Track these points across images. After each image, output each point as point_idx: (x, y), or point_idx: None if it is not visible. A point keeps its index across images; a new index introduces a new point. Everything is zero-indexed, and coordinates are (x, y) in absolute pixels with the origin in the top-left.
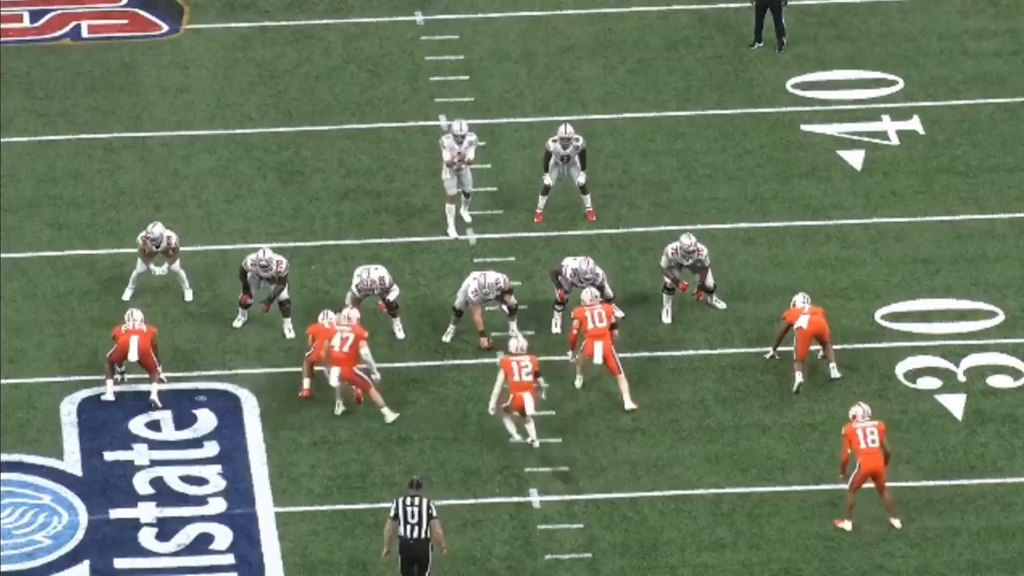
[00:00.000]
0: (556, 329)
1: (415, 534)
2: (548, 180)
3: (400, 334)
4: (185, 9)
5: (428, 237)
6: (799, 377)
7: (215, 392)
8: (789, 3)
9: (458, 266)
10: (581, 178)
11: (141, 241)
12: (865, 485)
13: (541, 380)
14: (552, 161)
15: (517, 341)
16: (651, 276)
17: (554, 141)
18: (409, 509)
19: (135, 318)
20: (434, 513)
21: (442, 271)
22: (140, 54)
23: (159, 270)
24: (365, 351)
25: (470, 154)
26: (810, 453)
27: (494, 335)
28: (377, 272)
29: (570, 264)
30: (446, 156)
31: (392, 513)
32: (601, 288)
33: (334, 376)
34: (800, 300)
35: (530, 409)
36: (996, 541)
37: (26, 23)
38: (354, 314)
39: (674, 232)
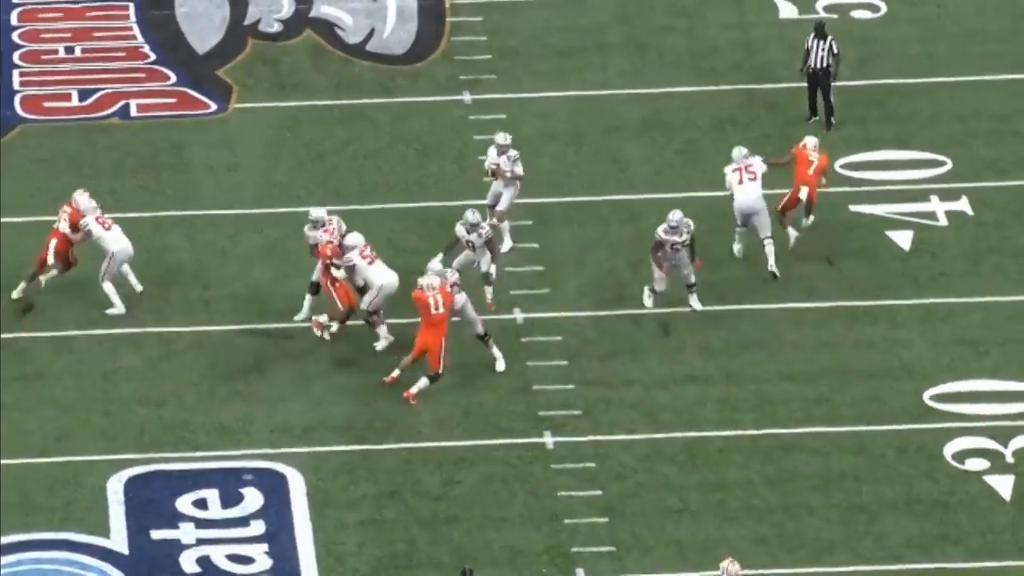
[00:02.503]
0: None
1: None
2: None
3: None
4: (234, 88)
5: (478, 315)
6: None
7: (262, 471)
8: (837, 83)
9: (505, 343)
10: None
11: None
12: None
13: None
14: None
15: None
16: (699, 357)
17: None
18: None
19: None
20: None
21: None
22: (188, 133)
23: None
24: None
25: (518, 169)
26: (857, 534)
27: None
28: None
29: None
30: (487, 163)
31: None
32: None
33: None
34: (811, 145)
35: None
36: None
37: (75, 102)
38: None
39: (721, 312)
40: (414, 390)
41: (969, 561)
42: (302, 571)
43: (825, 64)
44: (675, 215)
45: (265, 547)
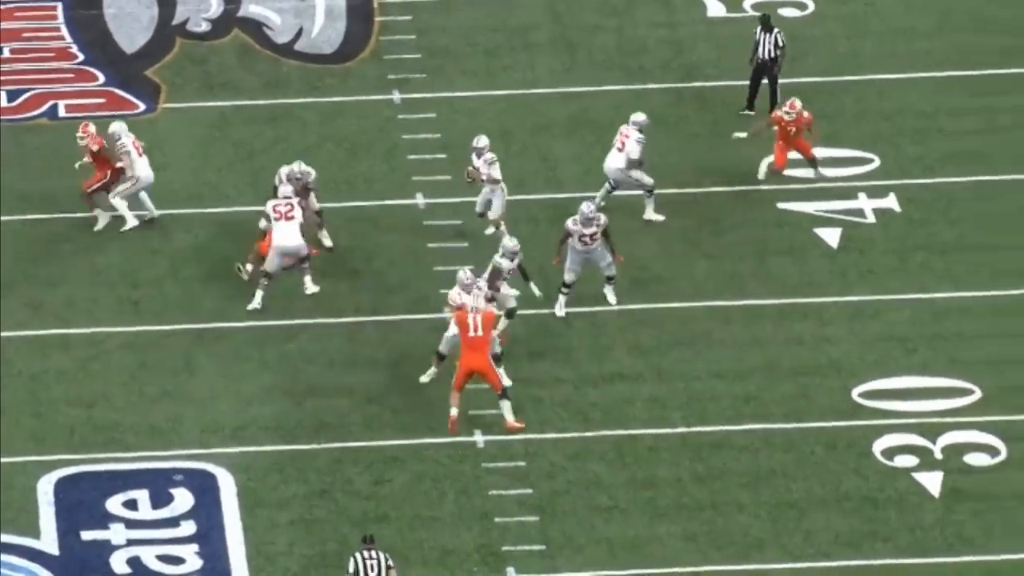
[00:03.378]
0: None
1: None
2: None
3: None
4: (162, 88)
5: (406, 315)
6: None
7: (192, 471)
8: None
9: (434, 343)
10: None
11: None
12: None
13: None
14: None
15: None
16: (628, 355)
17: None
18: (368, 563)
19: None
20: (391, 563)
21: (423, 349)
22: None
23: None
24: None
25: (494, 172)
26: (787, 531)
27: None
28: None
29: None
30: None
31: (351, 569)
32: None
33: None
34: (785, 109)
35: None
36: None
37: (3, 102)
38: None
39: (650, 310)
40: (510, 417)
41: (898, 558)
42: (233, 571)
43: (772, 56)
44: (588, 207)
45: (196, 547)
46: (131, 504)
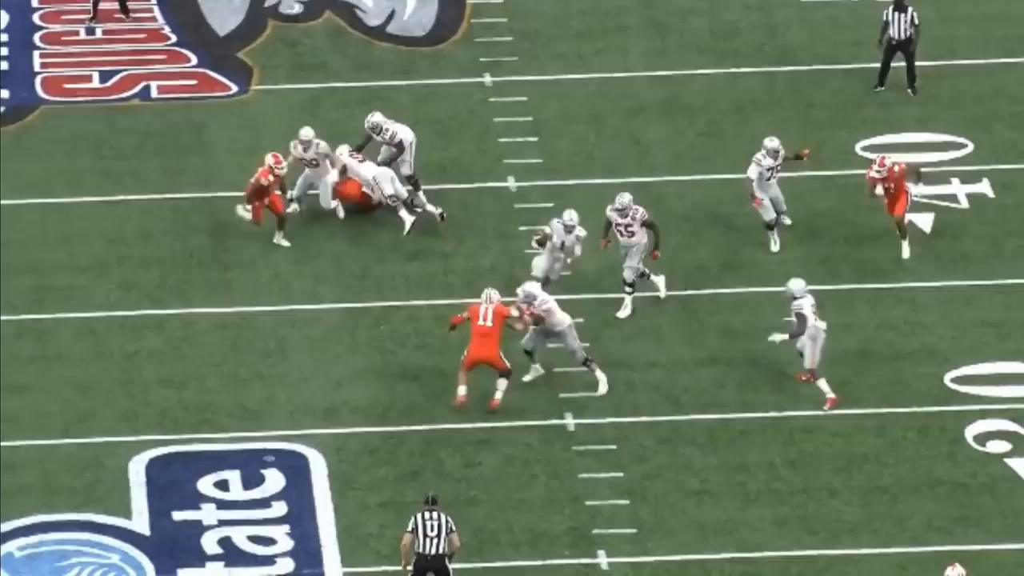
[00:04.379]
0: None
1: (434, 549)
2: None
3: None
4: (254, 70)
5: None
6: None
7: (283, 452)
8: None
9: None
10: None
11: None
12: None
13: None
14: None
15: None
16: (720, 339)
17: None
18: (428, 523)
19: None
20: (453, 527)
21: (510, 331)
22: (209, 115)
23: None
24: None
25: (578, 250)
26: (879, 516)
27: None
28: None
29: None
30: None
31: (410, 527)
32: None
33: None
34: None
35: None
36: None
37: (95, 83)
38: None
39: (742, 294)
40: (498, 396)
41: (990, 543)
42: (324, 552)
43: (908, 35)
44: (623, 198)
45: (287, 528)
46: (222, 485)
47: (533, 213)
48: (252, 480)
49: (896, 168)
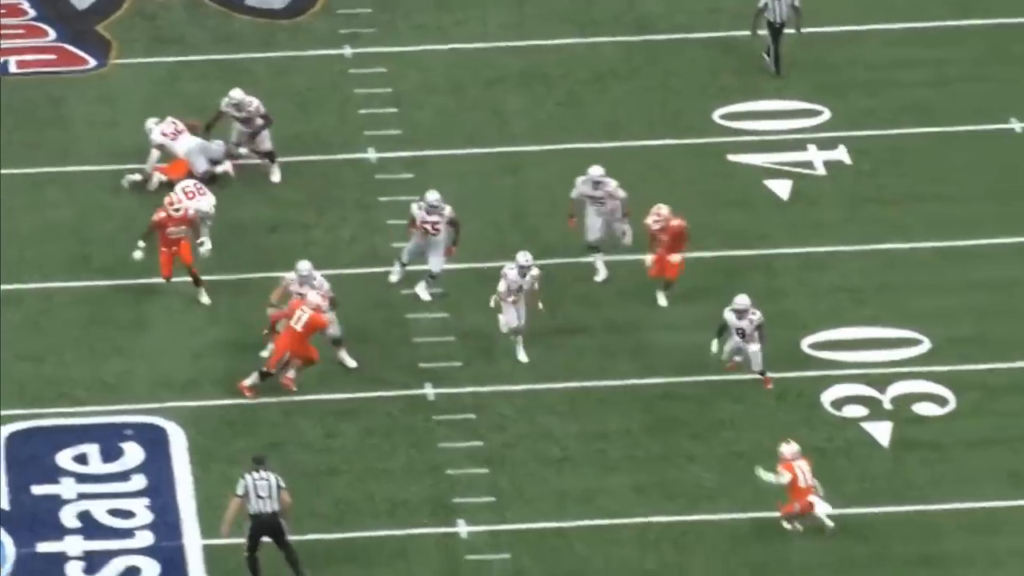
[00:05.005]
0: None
1: (267, 508)
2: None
3: (350, 363)
4: (113, 44)
5: (357, 269)
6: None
7: (142, 426)
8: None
9: (387, 297)
10: None
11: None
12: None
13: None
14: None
15: None
16: (579, 307)
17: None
18: (258, 483)
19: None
20: (282, 484)
21: (371, 302)
22: (68, 89)
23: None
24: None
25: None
26: (737, 482)
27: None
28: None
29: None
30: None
31: (240, 491)
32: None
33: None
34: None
35: None
36: (923, 568)
37: None
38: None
39: (586, 263)
40: (289, 375)
41: (847, 507)
42: (183, 525)
43: (784, 18)
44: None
45: (146, 501)
46: (82, 459)
47: (394, 184)
48: (111, 453)
49: (674, 222)
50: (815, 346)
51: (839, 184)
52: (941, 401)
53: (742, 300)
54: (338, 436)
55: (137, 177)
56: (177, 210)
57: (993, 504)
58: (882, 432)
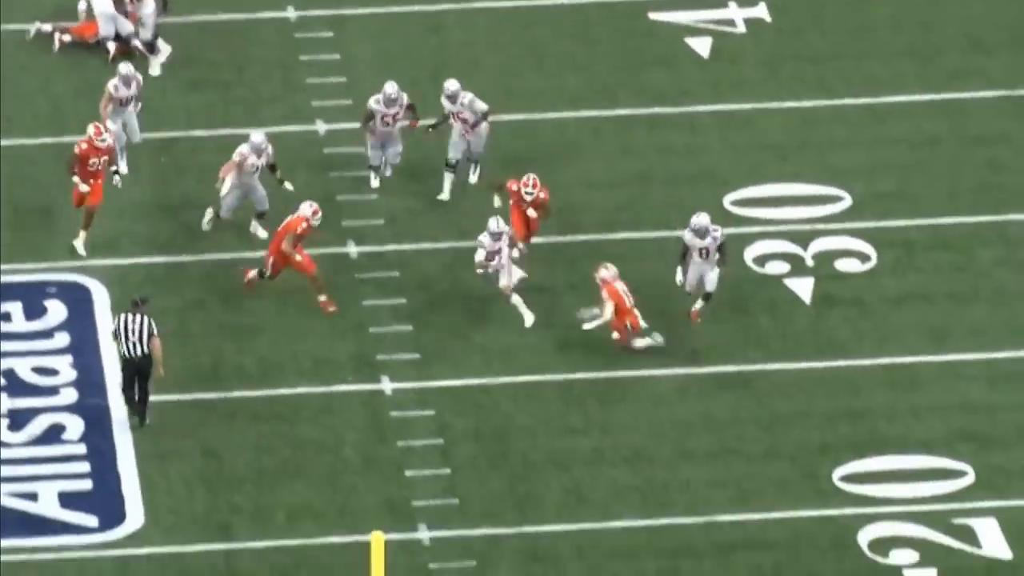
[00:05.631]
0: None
1: (137, 352)
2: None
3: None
4: None
5: (279, 128)
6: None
7: (65, 284)
8: None
9: (310, 155)
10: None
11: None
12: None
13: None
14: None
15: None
16: (501, 167)
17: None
18: (131, 326)
19: None
20: (154, 331)
21: (292, 161)
22: None
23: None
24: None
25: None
26: (661, 335)
27: None
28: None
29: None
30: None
31: (112, 329)
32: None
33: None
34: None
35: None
36: (845, 423)
37: None
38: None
39: (522, 121)
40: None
41: (770, 363)
42: (107, 383)
43: None
44: (390, 87)
45: (70, 359)
46: (5, 316)
47: (314, 43)
48: (34, 311)
49: (542, 195)
50: (737, 203)
51: (759, 41)
52: (863, 257)
53: (700, 219)
54: (262, 296)
55: (47, 28)
56: (103, 141)
57: (914, 360)
58: (804, 288)
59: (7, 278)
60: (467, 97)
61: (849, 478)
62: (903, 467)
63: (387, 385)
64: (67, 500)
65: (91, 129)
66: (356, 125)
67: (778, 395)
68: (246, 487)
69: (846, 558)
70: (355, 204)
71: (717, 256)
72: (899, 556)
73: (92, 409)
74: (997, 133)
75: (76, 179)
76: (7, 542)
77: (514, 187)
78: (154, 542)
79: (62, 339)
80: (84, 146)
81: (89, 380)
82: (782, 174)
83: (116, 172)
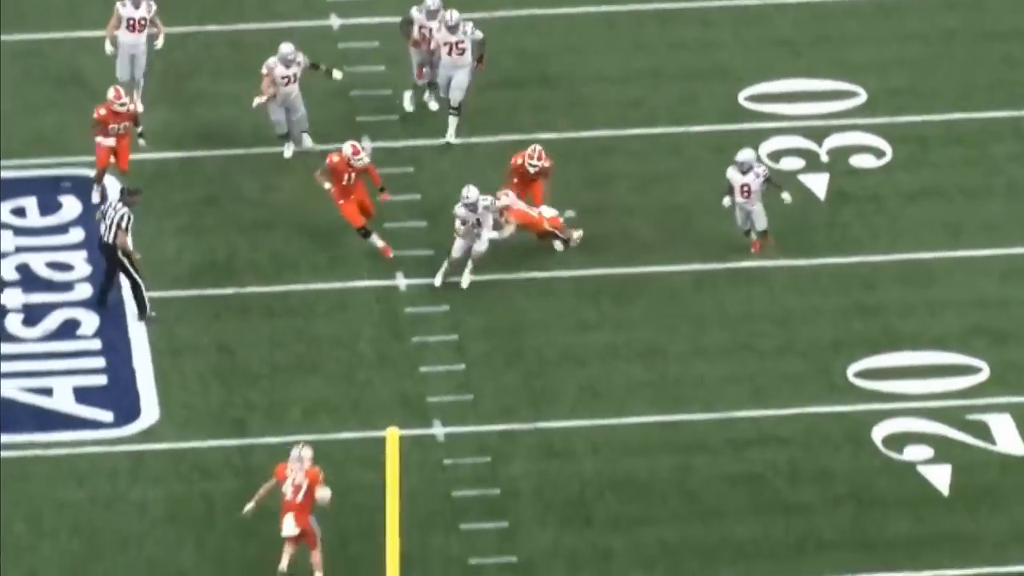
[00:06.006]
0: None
1: (107, 237)
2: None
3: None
4: None
5: (293, 23)
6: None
7: (80, 179)
8: None
9: (322, 50)
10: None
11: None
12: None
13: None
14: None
15: None
16: (514, 61)
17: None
18: (109, 211)
19: None
20: (124, 225)
21: (308, 55)
22: None
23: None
24: (322, 494)
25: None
26: (675, 235)
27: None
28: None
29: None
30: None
31: (96, 217)
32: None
33: (288, 526)
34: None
35: None
36: (859, 319)
37: None
38: (307, 454)
39: (534, 16)
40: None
41: (786, 259)
42: (122, 277)
43: None
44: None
45: (84, 254)
46: (19, 212)
47: None
48: (49, 206)
49: (547, 164)
50: (751, 99)
51: None
52: (877, 153)
53: (745, 154)
54: (275, 190)
55: None
56: (123, 105)
57: (929, 255)
58: (819, 184)
59: (22, 173)
60: (468, 26)
61: (863, 374)
62: (917, 363)
63: (401, 281)
64: (82, 395)
65: (111, 93)
66: (371, 19)
67: (792, 291)
68: (261, 383)
69: (860, 454)
70: (369, 100)
71: (760, 192)
72: (913, 452)
73: (107, 304)
74: (1012, 28)
75: (99, 138)
76: (22, 437)
77: (519, 160)
78: (169, 437)
79: (77, 234)
80: (103, 111)
81: (103, 274)
82: (796, 70)
83: (141, 135)
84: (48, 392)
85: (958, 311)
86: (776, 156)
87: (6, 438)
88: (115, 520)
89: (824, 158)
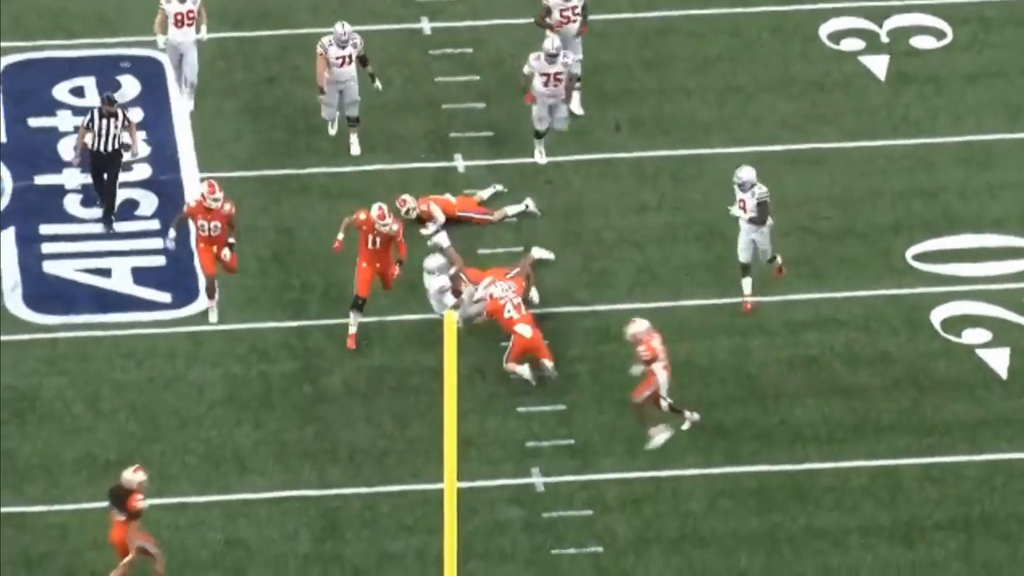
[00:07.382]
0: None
1: (106, 148)
2: None
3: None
4: None
5: None
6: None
7: (139, 58)
8: None
9: None
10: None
11: None
12: None
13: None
14: None
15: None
16: None
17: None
18: (103, 122)
19: None
20: (129, 122)
21: None
22: None
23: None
24: None
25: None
26: (734, 116)
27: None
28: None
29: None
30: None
31: (86, 123)
32: None
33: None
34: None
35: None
36: (918, 200)
37: None
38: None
39: None
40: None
41: (844, 141)
42: (180, 159)
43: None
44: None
45: (143, 135)
46: (78, 91)
47: None
48: (108, 86)
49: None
50: None
51: None
52: (938, 34)
53: (745, 172)
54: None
55: None
56: (216, 200)
57: (989, 137)
58: (879, 65)
59: (81, 52)
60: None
61: (922, 257)
62: (977, 246)
63: (460, 163)
64: (140, 276)
65: (204, 187)
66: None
67: (852, 173)
68: (319, 264)
69: (919, 337)
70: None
71: (755, 214)
72: (972, 335)
73: (165, 184)
74: None
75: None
76: (80, 318)
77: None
78: (227, 319)
79: (136, 114)
80: (192, 204)
81: (163, 155)
82: None
83: (231, 246)
84: (107, 273)
85: (1017, 193)
86: (836, 37)
87: (65, 319)
88: (173, 401)
89: (884, 39)
